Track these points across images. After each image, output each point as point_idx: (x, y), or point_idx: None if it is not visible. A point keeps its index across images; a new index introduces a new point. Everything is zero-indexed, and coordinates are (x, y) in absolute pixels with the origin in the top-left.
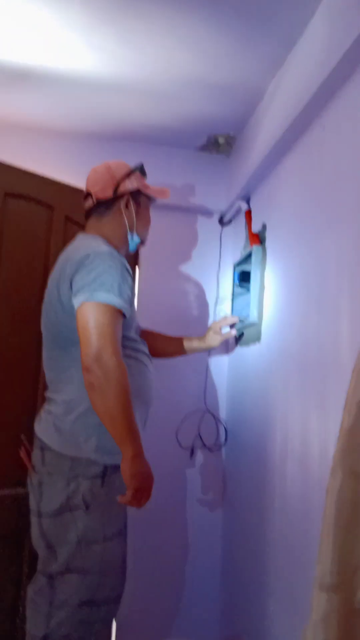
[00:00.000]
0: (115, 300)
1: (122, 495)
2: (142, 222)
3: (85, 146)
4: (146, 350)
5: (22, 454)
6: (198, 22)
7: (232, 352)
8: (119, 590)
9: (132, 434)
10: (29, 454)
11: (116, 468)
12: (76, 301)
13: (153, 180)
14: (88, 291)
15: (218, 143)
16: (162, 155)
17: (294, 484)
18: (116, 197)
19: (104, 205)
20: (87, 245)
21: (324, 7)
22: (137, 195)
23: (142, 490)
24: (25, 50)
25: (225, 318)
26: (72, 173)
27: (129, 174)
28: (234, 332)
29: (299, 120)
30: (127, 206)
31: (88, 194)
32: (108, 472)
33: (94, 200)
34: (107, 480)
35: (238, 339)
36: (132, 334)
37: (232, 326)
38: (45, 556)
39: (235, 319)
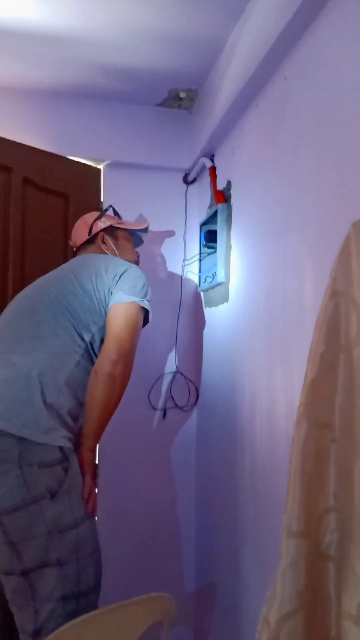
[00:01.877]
0: (147, 307)
1: (85, 487)
2: (125, 253)
3: (41, 104)
4: None
5: None
6: None
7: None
8: (99, 575)
9: (103, 430)
10: None
11: (70, 449)
12: (123, 297)
13: (113, 138)
14: (140, 295)
15: (179, 97)
16: (122, 112)
17: (262, 438)
18: (92, 237)
19: (84, 248)
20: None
21: None
22: (113, 231)
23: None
24: None
25: None
26: (29, 133)
27: (100, 216)
28: None
29: (260, 71)
30: (103, 241)
31: (72, 247)
32: (68, 455)
33: (76, 249)
34: (67, 465)
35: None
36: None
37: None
38: (7, 555)
39: None
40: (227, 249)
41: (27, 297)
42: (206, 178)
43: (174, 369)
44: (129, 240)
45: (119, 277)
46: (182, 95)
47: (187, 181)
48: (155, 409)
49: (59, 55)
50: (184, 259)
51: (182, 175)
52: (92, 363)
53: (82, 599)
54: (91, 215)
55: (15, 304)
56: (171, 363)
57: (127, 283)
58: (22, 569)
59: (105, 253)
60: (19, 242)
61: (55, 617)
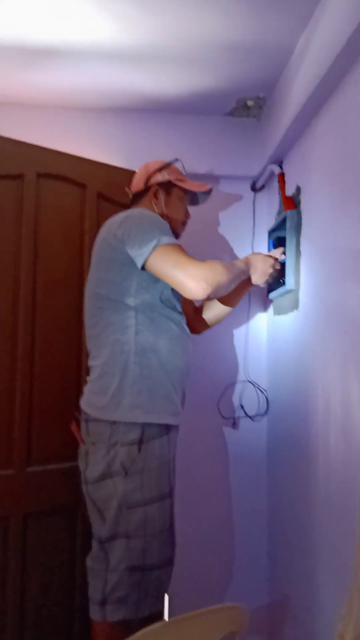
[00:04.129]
0: (175, 242)
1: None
2: (173, 211)
3: (113, 121)
4: (182, 320)
5: (73, 427)
6: None
7: (267, 305)
8: (168, 554)
9: (240, 270)
10: (79, 427)
11: (154, 433)
12: (143, 252)
13: (182, 150)
14: (151, 243)
15: (247, 106)
16: (191, 123)
17: (337, 451)
18: (147, 188)
19: (139, 197)
20: (125, 212)
21: None
22: (169, 187)
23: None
24: (46, 25)
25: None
26: (102, 149)
27: (161, 168)
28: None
29: (329, 76)
30: (155, 195)
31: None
32: (145, 438)
33: (131, 195)
34: (144, 447)
35: (271, 287)
36: (173, 299)
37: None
38: (97, 520)
39: (278, 252)
40: (297, 256)
41: (85, 306)
42: (274, 185)
43: (243, 377)
44: (182, 200)
45: (122, 239)
46: (250, 103)
47: (255, 188)
48: (224, 418)
49: (128, 71)
50: None
51: (250, 182)
52: (154, 311)
53: (147, 573)
54: (155, 164)
55: (84, 317)
56: (241, 371)
57: (133, 240)
58: (100, 535)
59: (153, 208)
60: None
61: (121, 586)
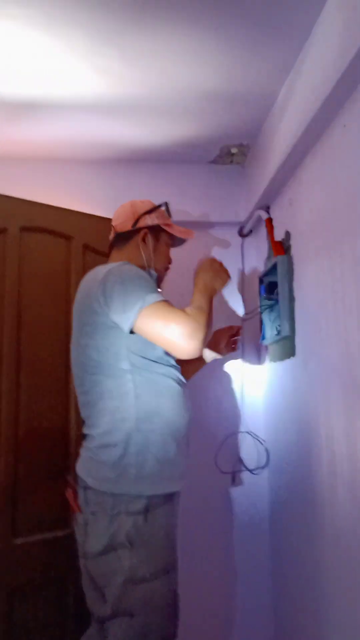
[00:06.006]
0: (160, 297)
1: None
2: (160, 258)
3: (99, 172)
4: (179, 374)
5: (68, 494)
6: (201, 34)
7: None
8: (171, 630)
9: (205, 295)
10: (75, 495)
11: (160, 501)
12: (129, 317)
13: (168, 199)
14: (137, 300)
15: (231, 154)
16: (176, 172)
17: (345, 508)
18: (135, 230)
19: (124, 238)
20: (104, 267)
21: (331, 6)
22: (157, 232)
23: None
24: (29, 79)
25: (230, 327)
26: (89, 200)
27: (150, 211)
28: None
29: (317, 120)
30: (144, 240)
31: (112, 228)
32: (151, 508)
33: (114, 233)
34: (150, 516)
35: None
36: (167, 355)
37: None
38: (96, 599)
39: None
40: (290, 301)
41: (73, 373)
42: (262, 230)
43: (241, 428)
44: (169, 246)
45: (106, 304)
46: (234, 151)
47: (242, 234)
48: (223, 472)
49: (111, 123)
50: (243, 312)
51: (237, 228)
52: (151, 371)
53: None
54: (142, 204)
55: (75, 383)
56: (238, 423)
57: (116, 305)
58: (99, 615)
59: (140, 253)
60: None
61: None
